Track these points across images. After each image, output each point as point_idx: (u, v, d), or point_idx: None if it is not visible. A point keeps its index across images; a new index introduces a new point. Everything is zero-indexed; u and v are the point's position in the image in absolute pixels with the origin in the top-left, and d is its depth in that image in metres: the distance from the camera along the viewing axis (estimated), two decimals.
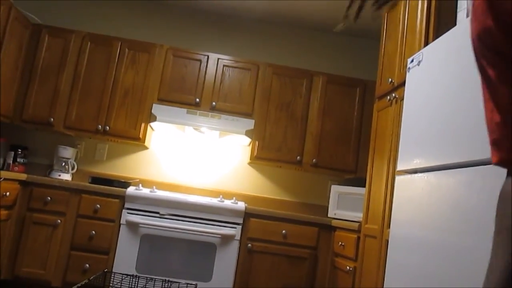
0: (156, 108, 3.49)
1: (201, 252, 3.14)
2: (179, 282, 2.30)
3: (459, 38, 1.70)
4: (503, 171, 1.30)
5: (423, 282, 1.65)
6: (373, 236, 2.51)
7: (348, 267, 2.80)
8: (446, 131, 1.68)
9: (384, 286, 2.00)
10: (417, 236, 1.77)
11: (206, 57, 3.71)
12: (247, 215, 3.26)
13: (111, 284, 2.36)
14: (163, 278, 2.63)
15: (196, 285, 2.37)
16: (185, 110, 3.51)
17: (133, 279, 2.42)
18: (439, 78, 1.82)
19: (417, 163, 1.88)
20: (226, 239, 3.17)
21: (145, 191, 3.22)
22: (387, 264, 2.02)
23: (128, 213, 3.14)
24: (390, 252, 2.00)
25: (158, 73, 3.65)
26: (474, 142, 1.48)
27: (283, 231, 3.26)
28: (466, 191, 1.47)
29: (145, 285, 2.35)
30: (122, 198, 3.17)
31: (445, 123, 1.70)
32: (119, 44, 3.64)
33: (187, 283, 2.36)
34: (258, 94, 3.73)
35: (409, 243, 1.83)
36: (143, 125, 3.58)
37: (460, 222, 1.48)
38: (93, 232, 3.11)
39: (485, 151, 1.41)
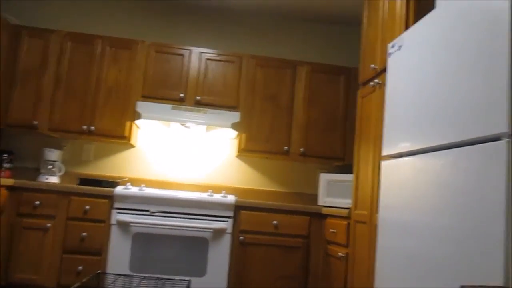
0: (141, 106, 3.46)
1: (194, 248, 3.14)
2: (173, 279, 2.30)
3: (438, 21, 1.71)
4: (487, 151, 1.32)
5: (413, 264, 1.67)
6: (363, 222, 2.53)
7: (340, 254, 2.83)
8: (429, 114, 1.70)
9: (376, 270, 2.02)
10: (404, 219, 1.79)
11: (189, 51, 3.68)
12: (238, 208, 3.27)
13: (105, 285, 2.35)
14: (157, 276, 2.63)
15: (189, 281, 2.38)
16: (170, 106, 3.49)
17: (127, 279, 2.42)
18: (420, 62, 1.83)
19: (402, 147, 1.90)
20: (218, 233, 3.18)
21: (134, 190, 3.20)
22: (377, 248, 2.04)
23: (118, 212, 3.12)
24: (380, 236, 2.03)
25: (140, 69, 3.62)
26: (457, 124, 1.49)
27: (275, 222, 3.28)
28: (451, 172, 1.49)
29: (139, 284, 2.35)
30: (111, 198, 3.15)
31: (427, 106, 1.71)
32: (100, 42, 3.60)
33: (181, 279, 2.36)
34: (243, 86, 3.72)
35: (397, 227, 1.85)
36: (128, 123, 3.55)
37: (447, 202, 1.50)
38: (84, 234, 3.09)
39: (467, 131, 1.43)
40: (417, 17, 2.23)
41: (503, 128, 1.25)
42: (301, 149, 3.69)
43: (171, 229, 3.13)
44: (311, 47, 4.19)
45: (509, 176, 1.20)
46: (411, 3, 2.30)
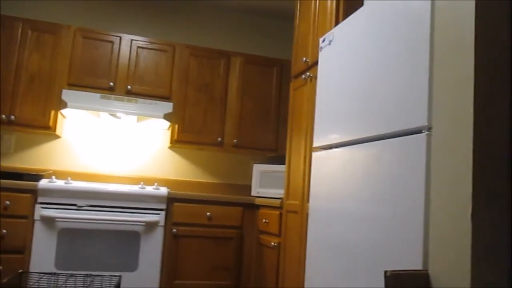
0: (67, 94, 3.28)
1: (125, 242, 3.05)
2: (103, 275, 2.22)
3: (366, 18, 1.78)
4: (408, 143, 1.40)
5: (341, 250, 1.74)
6: (295, 212, 2.60)
7: (272, 243, 2.88)
8: (356, 108, 1.77)
9: (307, 257, 2.08)
10: (333, 208, 1.86)
11: (119, 38, 3.54)
12: (170, 200, 3.22)
13: (28, 285, 2.22)
14: (85, 272, 2.53)
15: (120, 276, 2.31)
16: (98, 95, 3.34)
17: (52, 277, 2.30)
18: (348, 57, 1.89)
19: (332, 139, 1.97)
20: (150, 226, 3.11)
21: (59, 183, 3.04)
22: (308, 237, 2.10)
23: (42, 207, 2.95)
24: (310, 225, 2.09)
25: (66, 56, 3.42)
26: (381, 117, 1.57)
27: (208, 213, 3.27)
28: (376, 163, 1.57)
29: (66, 282, 2.25)
30: (35, 192, 2.97)
31: (355, 99, 1.78)
32: (21, 24, 3.35)
33: (111, 275, 2.28)
34: (176, 76, 3.65)
35: (327, 215, 1.92)
36: (53, 112, 3.36)
37: (372, 192, 1.57)
38: (4, 231, 2.89)
39: (391, 125, 1.51)
40: (347, 13, 2.31)
41: (423, 122, 1.33)
42: (235, 140, 3.70)
43: (100, 223, 3.02)
44: (245, 39, 4.20)
45: (428, 167, 1.28)
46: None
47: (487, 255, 1.05)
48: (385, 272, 1.16)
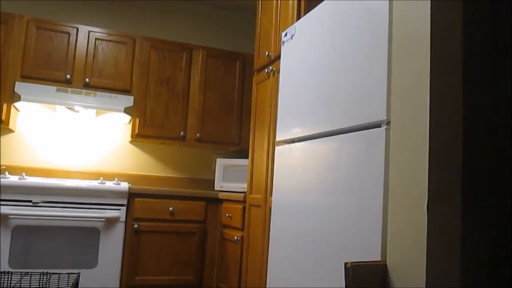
0: (20, 87, 3.14)
1: (84, 239, 2.97)
2: (60, 273, 2.15)
3: (326, 13, 1.80)
4: (368, 137, 1.43)
5: (302, 242, 1.76)
6: (258, 205, 2.61)
7: (236, 237, 2.89)
8: (318, 102, 1.79)
9: (269, 251, 2.10)
10: (296, 201, 1.88)
11: (75, 29, 3.42)
12: (132, 195, 3.16)
13: None
14: (42, 271, 2.44)
15: (79, 273, 2.24)
16: (54, 87, 3.22)
17: (6, 276, 2.20)
18: (309, 51, 1.91)
19: (294, 133, 1.98)
20: (110, 222, 3.04)
21: (13, 179, 2.92)
22: (271, 230, 2.12)
23: None
24: (273, 218, 2.10)
25: (19, 47, 3.27)
26: (342, 111, 1.59)
27: (170, 208, 3.23)
28: (337, 156, 1.59)
29: (20, 281, 2.16)
30: None
31: (316, 94, 1.80)
32: None
33: (69, 273, 2.22)
34: (136, 69, 3.57)
35: (289, 209, 1.93)
36: (5, 105, 3.21)
37: (332, 185, 1.60)
38: None
39: (351, 119, 1.53)
40: (308, 8, 2.32)
41: (382, 116, 1.36)
42: (197, 134, 3.67)
43: (57, 220, 2.92)
44: (207, 32, 4.16)
45: (386, 160, 1.31)
46: None
47: (441, 247, 1.09)
48: (345, 264, 1.18)
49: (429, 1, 1.15)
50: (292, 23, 2.32)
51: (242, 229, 2.84)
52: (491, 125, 1.20)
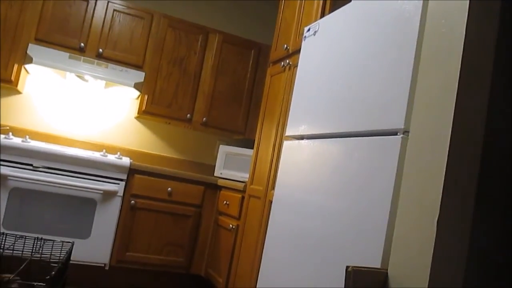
0: (33, 49, 3.12)
1: (80, 208, 2.97)
2: (54, 240, 2.15)
3: (353, 14, 1.77)
4: (382, 144, 1.42)
5: (300, 240, 1.76)
6: (257, 197, 2.60)
7: (231, 225, 2.89)
8: (332, 103, 1.77)
9: (265, 245, 2.10)
10: (298, 198, 1.87)
11: None
12: (132, 171, 3.15)
13: None
14: (36, 235, 2.44)
15: (73, 243, 2.24)
16: (67, 54, 3.20)
17: (0, 237, 2.21)
18: (331, 50, 1.89)
19: (304, 130, 1.97)
20: (107, 195, 3.04)
21: (16, 141, 2.91)
22: (269, 223, 2.11)
23: None
24: (273, 212, 2.10)
25: (37, 9, 3.24)
26: (358, 114, 1.58)
27: (169, 189, 3.23)
28: (347, 159, 1.58)
29: (14, 243, 2.16)
30: None
31: (333, 93, 1.79)
32: None
33: (63, 241, 2.22)
34: (150, 46, 3.54)
35: (291, 204, 1.93)
36: (16, 66, 3.19)
37: (339, 187, 1.59)
38: None
39: (367, 123, 1.52)
40: (334, 6, 2.30)
41: (400, 125, 1.35)
42: (204, 119, 3.66)
43: (56, 187, 2.92)
44: (226, 17, 4.12)
45: (399, 169, 1.30)
46: None
47: (447, 262, 1.08)
48: (347, 267, 1.17)
49: (467, 4, 1.12)
50: (315, 20, 2.30)
51: (239, 219, 2.84)
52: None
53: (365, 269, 1.18)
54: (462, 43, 1.13)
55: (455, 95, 1.12)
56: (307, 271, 1.67)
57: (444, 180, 1.09)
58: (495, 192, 1.14)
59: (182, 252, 3.25)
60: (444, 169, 1.10)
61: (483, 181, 1.11)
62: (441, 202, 1.08)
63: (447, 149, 1.11)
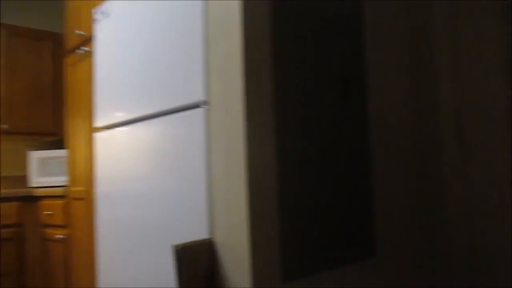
0: None
1: None
2: None
3: None
4: (188, 118, 1.42)
5: (131, 231, 1.69)
6: (81, 198, 2.42)
7: (58, 236, 2.64)
8: (137, 85, 1.71)
9: (98, 245, 1.97)
10: (121, 189, 1.79)
11: None
12: None
13: None
14: None
15: None
16: None
17: None
18: (126, 33, 1.80)
19: (115, 118, 1.87)
20: None
21: None
22: (97, 223, 1.98)
23: None
24: (99, 210, 1.97)
25: None
26: (164, 93, 1.55)
27: None
28: (160, 140, 1.55)
29: None
30: None
31: (135, 76, 1.72)
32: None
33: None
34: None
35: (115, 198, 1.83)
36: None
37: (157, 169, 1.56)
38: None
39: (172, 101, 1.50)
40: None
41: (200, 97, 1.36)
42: (5, 126, 3.21)
43: None
44: (9, 8, 3.62)
45: (207, 140, 1.33)
46: None
47: (262, 221, 1.15)
48: (173, 246, 1.16)
49: None
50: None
51: (66, 227, 2.60)
52: (299, 101, 1.31)
53: (191, 243, 1.18)
54: (242, 11, 1.18)
55: (240, 61, 1.17)
56: (145, 260, 1.62)
57: (244, 145, 1.14)
58: (293, 152, 1.24)
59: (10, 281, 2.85)
60: (243, 134, 1.15)
61: (280, 147, 1.20)
62: (245, 166, 1.13)
63: (244, 111, 1.15)
